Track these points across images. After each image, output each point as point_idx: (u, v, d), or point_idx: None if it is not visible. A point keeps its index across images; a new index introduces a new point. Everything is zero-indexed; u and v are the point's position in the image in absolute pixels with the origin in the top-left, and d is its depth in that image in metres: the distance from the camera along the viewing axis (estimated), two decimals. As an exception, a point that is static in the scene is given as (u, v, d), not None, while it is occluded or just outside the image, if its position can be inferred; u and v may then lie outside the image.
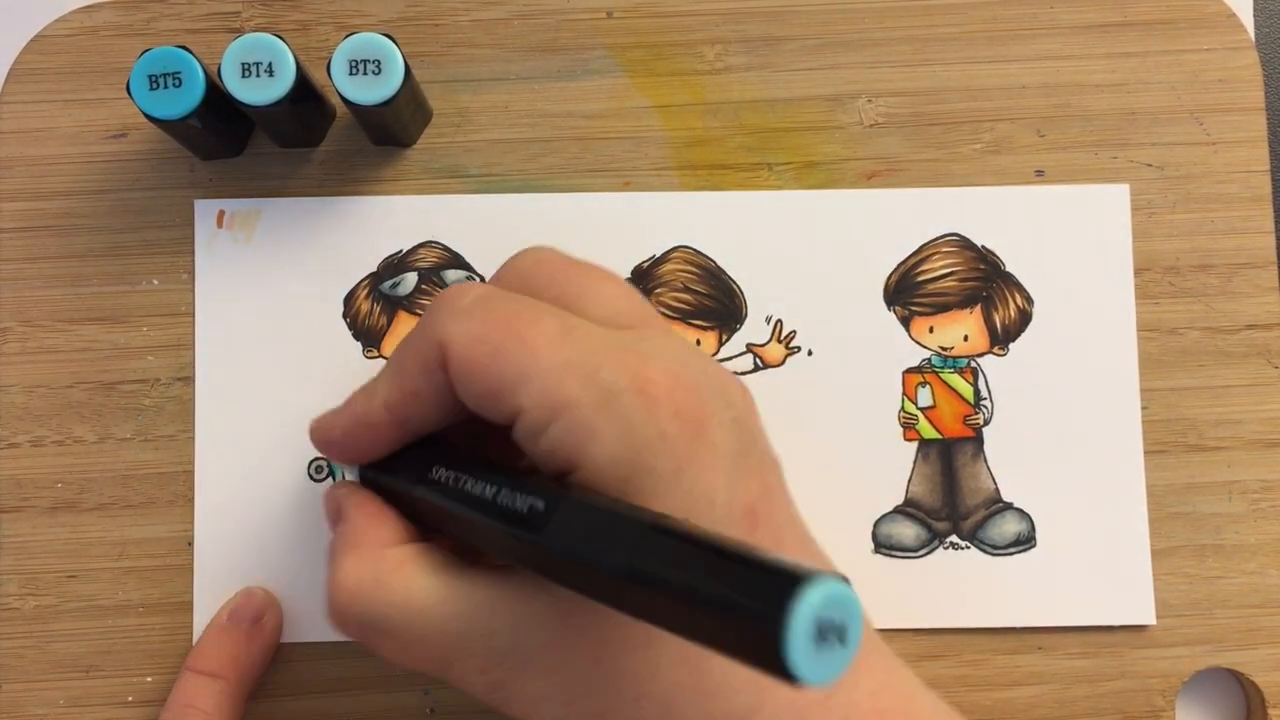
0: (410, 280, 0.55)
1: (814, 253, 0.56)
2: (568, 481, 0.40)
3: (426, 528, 0.45)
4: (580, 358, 0.40)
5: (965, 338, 0.55)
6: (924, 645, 0.54)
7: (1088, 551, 0.54)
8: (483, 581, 0.41)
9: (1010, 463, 0.55)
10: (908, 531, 0.55)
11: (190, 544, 0.54)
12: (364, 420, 0.45)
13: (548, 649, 0.41)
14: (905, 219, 0.56)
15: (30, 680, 0.54)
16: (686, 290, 0.55)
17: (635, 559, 0.34)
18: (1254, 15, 0.59)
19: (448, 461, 0.44)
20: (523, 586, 0.41)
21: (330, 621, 0.43)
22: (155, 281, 0.55)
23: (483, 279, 0.55)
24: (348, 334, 0.55)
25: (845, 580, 0.31)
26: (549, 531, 0.38)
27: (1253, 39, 0.57)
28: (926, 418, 0.55)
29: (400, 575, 0.42)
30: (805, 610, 0.29)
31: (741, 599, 0.31)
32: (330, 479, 0.54)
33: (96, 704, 0.54)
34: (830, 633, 0.30)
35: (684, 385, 0.41)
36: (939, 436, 0.55)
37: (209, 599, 0.54)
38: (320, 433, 0.47)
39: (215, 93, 0.51)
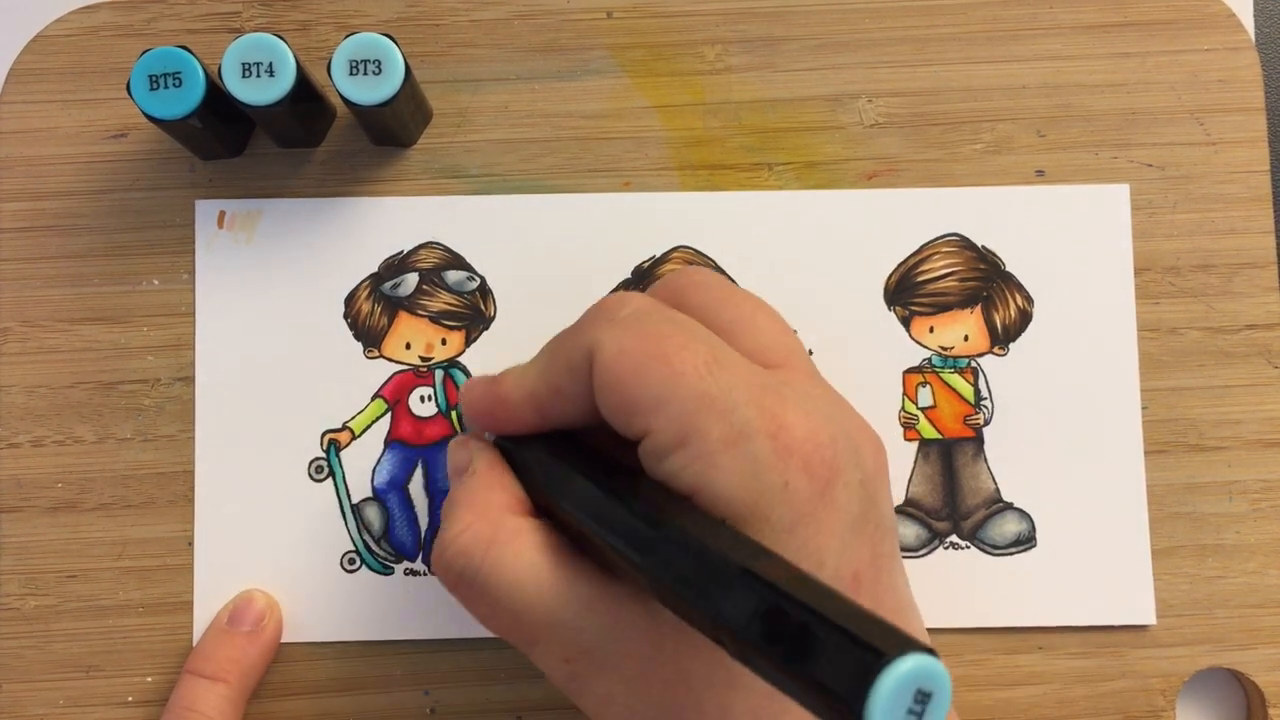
0: (411, 281, 0.55)
1: (814, 253, 0.56)
2: (685, 505, 0.40)
3: (542, 509, 0.45)
4: (721, 393, 0.40)
5: (966, 338, 0.55)
6: (924, 645, 0.54)
7: (1088, 552, 0.54)
8: (587, 575, 0.42)
9: (1010, 463, 0.55)
10: (908, 531, 0.55)
11: (190, 544, 0.54)
12: (508, 400, 0.46)
13: (630, 659, 0.41)
14: (905, 219, 0.56)
15: (30, 680, 0.54)
16: (687, 290, 0.55)
17: (725, 606, 0.34)
18: (1254, 15, 0.59)
19: (576, 458, 0.44)
20: (622, 591, 0.41)
21: (434, 567, 0.45)
22: (156, 281, 0.55)
23: (483, 279, 0.55)
24: (348, 334, 0.55)
25: (933, 653, 0.30)
26: (652, 559, 0.37)
27: (1253, 39, 0.57)
28: (927, 418, 0.55)
29: (514, 545, 0.42)
30: (887, 688, 0.29)
31: (823, 669, 0.31)
32: (331, 478, 0.54)
33: (96, 704, 0.54)
34: (914, 712, 0.29)
35: (819, 439, 0.40)
36: (939, 436, 0.55)
37: (209, 599, 0.54)
38: (467, 396, 0.47)
39: (215, 93, 0.51)
